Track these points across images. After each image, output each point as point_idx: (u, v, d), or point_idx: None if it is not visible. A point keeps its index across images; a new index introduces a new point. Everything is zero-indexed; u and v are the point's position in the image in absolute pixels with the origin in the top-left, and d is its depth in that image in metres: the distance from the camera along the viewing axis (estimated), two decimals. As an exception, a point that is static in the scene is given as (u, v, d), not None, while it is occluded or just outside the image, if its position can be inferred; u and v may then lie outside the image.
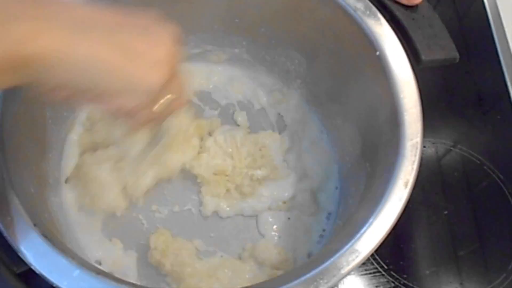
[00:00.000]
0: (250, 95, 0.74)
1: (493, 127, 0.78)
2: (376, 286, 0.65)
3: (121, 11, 0.41)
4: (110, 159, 0.60)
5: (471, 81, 0.82)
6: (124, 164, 0.60)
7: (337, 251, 0.45)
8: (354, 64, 0.59)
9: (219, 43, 0.71)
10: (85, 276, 0.43)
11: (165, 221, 0.65)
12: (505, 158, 0.75)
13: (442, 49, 0.55)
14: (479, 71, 0.83)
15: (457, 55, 0.55)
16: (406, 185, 0.48)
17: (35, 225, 0.45)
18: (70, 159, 0.65)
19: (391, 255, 0.67)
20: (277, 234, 0.65)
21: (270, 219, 0.65)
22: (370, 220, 0.46)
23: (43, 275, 0.43)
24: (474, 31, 0.87)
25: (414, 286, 0.65)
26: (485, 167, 0.74)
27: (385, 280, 0.65)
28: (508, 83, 0.81)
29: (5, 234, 0.44)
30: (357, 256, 0.45)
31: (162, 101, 0.44)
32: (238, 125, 0.71)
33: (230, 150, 0.67)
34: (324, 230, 0.64)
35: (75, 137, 0.66)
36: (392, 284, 0.65)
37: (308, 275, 0.44)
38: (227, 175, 0.66)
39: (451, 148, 0.76)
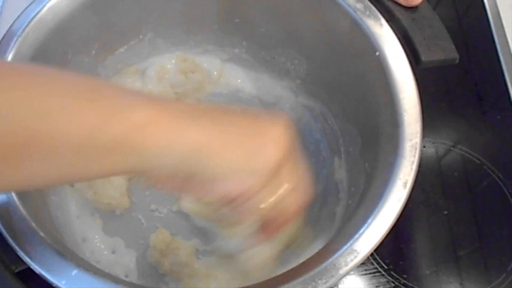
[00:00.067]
0: (250, 95, 0.74)
1: (493, 127, 0.78)
2: (376, 286, 0.65)
3: (226, 107, 0.40)
4: None
5: (471, 81, 0.82)
6: None
7: (335, 251, 0.45)
8: (354, 64, 0.59)
9: (219, 43, 0.71)
10: (84, 276, 0.43)
11: (164, 220, 0.65)
12: (505, 158, 0.75)
13: (442, 50, 0.55)
14: (479, 71, 0.82)
15: (457, 56, 0.55)
16: (405, 185, 0.48)
17: (34, 224, 0.45)
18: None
19: (391, 255, 0.67)
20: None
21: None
22: (369, 221, 0.46)
23: (41, 274, 0.43)
24: (474, 31, 0.87)
25: (414, 286, 0.65)
26: (485, 167, 0.74)
27: (385, 280, 0.65)
28: (508, 83, 0.80)
29: (4, 233, 0.44)
30: (355, 257, 0.45)
31: (279, 192, 0.40)
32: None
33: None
34: (323, 230, 0.64)
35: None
36: (392, 284, 0.65)
37: (306, 275, 0.44)
38: None
39: (451, 148, 0.75)
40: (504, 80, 0.81)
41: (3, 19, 0.76)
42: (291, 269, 0.49)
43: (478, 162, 0.74)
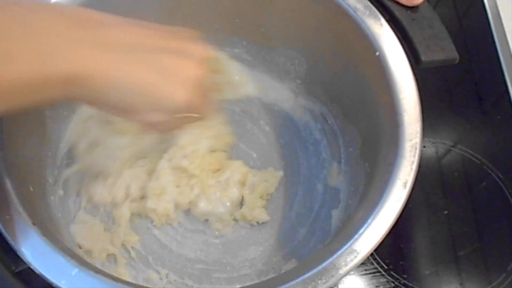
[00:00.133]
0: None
1: (493, 127, 0.78)
2: (376, 286, 0.65)
3: (159, 31, 0.43)
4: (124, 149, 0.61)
5: (471, 81, 0.82)
6: (143, 163, 0.61)
7: (335, 251, 0.45)
8: (354, 64, 0.59)
9: (219, 43, 0.70)
10: (84, 275, 0.43)
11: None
12: (505, 158, 0.75)
13: (442, 49, 0.54)
14: (479, 71, 0.82)
15: (457, 56, 0.55)
16: (405, 185, 0.48)
17: (33, 224, 0.45)
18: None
19: (391, 255, 0.67)
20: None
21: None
22: (369, 221, 0.46)
23: (41, 274, 0.43)
24: (474, 31, 0.87)
25: (414, 286, 0.65)
26: (485, 167, 0.74)
27: (385, 280, 0.65)
28: (508, 83, 0.80)
29: (4, 232, 0.44)
30: (355, 257, 0.45)
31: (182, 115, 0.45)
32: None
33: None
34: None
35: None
36: (392, 284, 0.65)
37: (306, 275, 0.44)
38: None
39: (451, 148, 0.75)
40: (504, 80, 0.81)
41: (3, 19, 0.75)
42: (291, 269, 0.49)
43: (478, 162, 0.74)
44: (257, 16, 0.65)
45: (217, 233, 0.64)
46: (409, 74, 0.53)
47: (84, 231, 0.61)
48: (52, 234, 0.47)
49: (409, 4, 0.56)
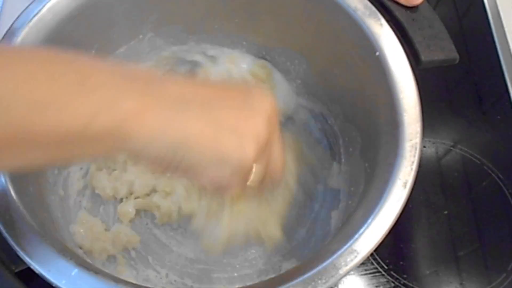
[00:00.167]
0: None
1: (493, 127, 0.78)
2: (376, 286, 0.65)
3: (218, 85, 0.41)
4: None
5: (471, 81, 0.82)
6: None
7: (335, 251, 0.45)
8: (354, 64, 0.59)
9: (219, 43, 0.71)
10: (84, 275, 0.43)
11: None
12: (505, 158, 0.75)
13: (442, 50, 0.54)
14: (479, 71, 0.82)
15: (457, 56, 0.55)
16: (405, 185, 0.48)
17: (33, 224, 0.45)
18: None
19: (391, 255, 0.67)
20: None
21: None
22: (369, 221, 0.46)
23: (41, 274, 0.43)
24: (474, 31, 0.86)
25: (414, 286, 0.65)
26: (485, 167, 0.74)
27: (385, 280, 0.65)
28: (508, 83, 0.80)
29: (4, 233, 0.44)
30: (355, 257, 0.45)
31: (253, 175, 0.41)
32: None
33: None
34: (323, 230, 0.64)
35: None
36: (392, 284, 0.65)
37: (306, 275, 0.44)
38: None
39: (451, 148, 0.75)
40: (504, 80, 0.81)
41: (3, 19, 0.76)
42: (291, 269, 0.49)
43: (478, 162, 0.74)
44: (257, 16, 0.65)
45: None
46: (409, 74, 0.53)
47: (84, 231, 0.61)
48: (52, 234, 0.47)
49: (409, 4, 0.56)
